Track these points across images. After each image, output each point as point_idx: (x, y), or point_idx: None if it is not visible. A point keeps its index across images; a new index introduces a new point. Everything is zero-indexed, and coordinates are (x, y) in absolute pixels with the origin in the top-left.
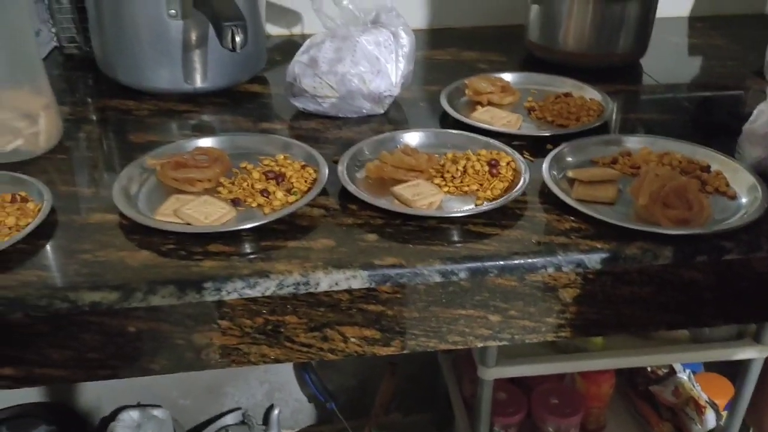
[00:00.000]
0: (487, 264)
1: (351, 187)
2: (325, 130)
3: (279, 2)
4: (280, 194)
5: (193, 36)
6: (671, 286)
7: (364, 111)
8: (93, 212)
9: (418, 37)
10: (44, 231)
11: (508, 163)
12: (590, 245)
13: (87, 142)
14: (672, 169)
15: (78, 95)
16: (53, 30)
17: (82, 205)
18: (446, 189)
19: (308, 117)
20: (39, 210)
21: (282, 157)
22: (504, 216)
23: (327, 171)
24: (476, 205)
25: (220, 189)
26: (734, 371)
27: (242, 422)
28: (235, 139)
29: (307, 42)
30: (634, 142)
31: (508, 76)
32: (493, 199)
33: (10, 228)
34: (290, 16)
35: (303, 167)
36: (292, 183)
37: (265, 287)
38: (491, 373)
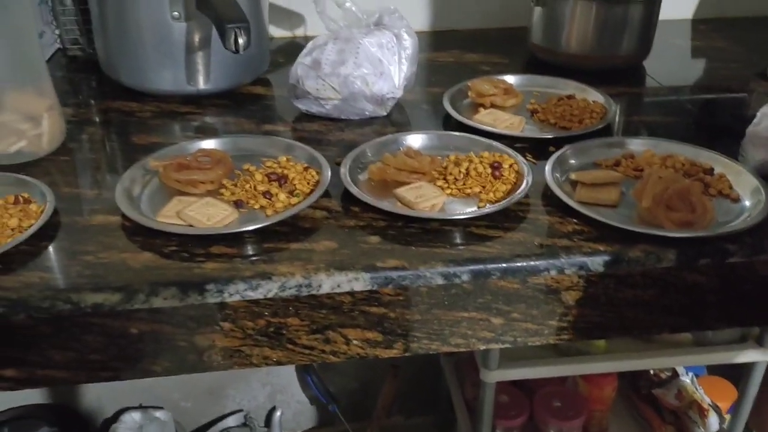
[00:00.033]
0: (490, 266)
1: (353, 189)
2: (327, 132)
3: (282, 4)
4: (282, 196)
5: (196, 38)
6: (674, 289)
7: (367, 113)
8: (96, 214)
9: (421, 39)
10: (47, 233)
11: (510, 166)
12: (593, 248)
13: (90, 144)
14: (675, 172)
15: (81, 97)
16: (57, 32)
17: (85, 207)
18: (449, 191)
19: (311, 119)
20: (42, 212)
21: (284, 159)
22: (506, 218)
23: (329, 173)
24: (479, 208)
25: (223, 191)
26: (737, 374)
27: (244, 424)
28: (237, 141)
29: (310, 44)
30: (637, 145)
31: (510, 79)
32: (496, 202)
33: (12, 229)
34: (293, 18)
35: (305, 169)
36: (294, 185)
37: (267, 289)
38: (493, 375)
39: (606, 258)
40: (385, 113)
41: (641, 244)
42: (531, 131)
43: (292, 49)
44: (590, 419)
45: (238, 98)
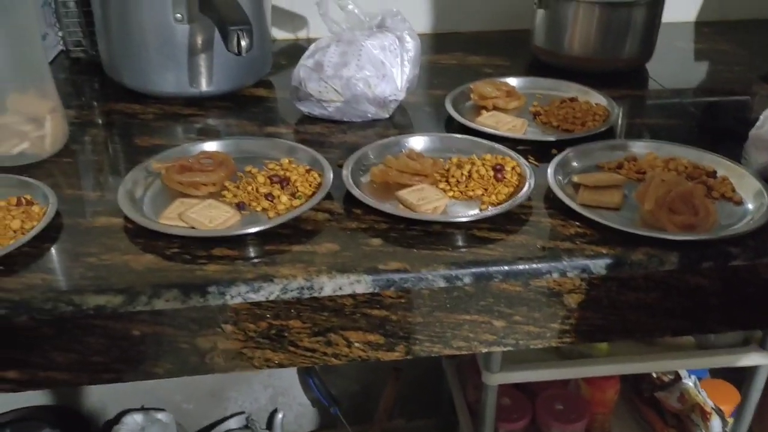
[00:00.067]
0: (492, 269)
1: (356, 192)
2: (330, 134)
3: (285, 6)
4: (284, 198)
5: (199, 40)
6: (677, 292)
7: (369, 115)
8: (98, 216)
9: (424, 42)
10: (49, 234)
11: (513, 168)
12: (595, 251)
13: (93, 146)
14: (678, 175)
15: (84, 99)
16: (60, 34)
17: (88, 209)
18: (451, 194)
19: (313, 121)
20: (44, 213)
21: (287, 161)
22: (509, 221)
23: (331, 175)
24: (481, 210)
25: (225, 193)
26: (740, 377)
27: (246, 426)
28: (240, 143)
29: (313, 46)
30: (639, 148)
31: (513, 81)
32: (498, 204)
33: (15, 231)
34: (296, 21)
35: (308, 171)
36: (296, 187)
37: (269, 291)
38: (495, 378)
39: (608, 261)
40: (387, 115)
41: (644, 247)
42: (533, 134)
43: (295, 51)
44: (592, 422)
45: (241, 100)
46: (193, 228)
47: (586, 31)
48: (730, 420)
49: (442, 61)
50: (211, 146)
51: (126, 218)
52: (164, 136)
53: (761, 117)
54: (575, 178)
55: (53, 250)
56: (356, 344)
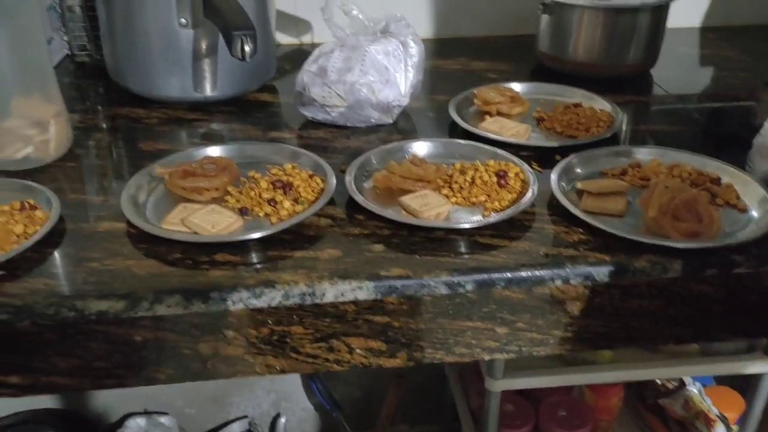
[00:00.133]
0: (495, 276)
1: (358, 198)
2: (333, 139)
3: (289, 11)
4: (287, 204)
5: (203, 45)
6: (680, 300)
7: (373, 120)
8: (101, 220)
9: (427, 47)
10: (52, 239)
11: (516, 174)
12: (599, 258)
13: (97, 150)
14: (682, 182)
15: (88, 103)
16: (65, 38)
17: (91, 213)
18: (454, 200)
19: (317, 126)
20: (47, 218)
21: (290, 166)
22: (512, 227)
23: (334, 181)
24: (484, 217)
25: (228, 198)
26: (745, 384)
27: (248, 431)
28: (243, 148)
29: (316, 51)
30: (644, 154)
31: (517, 86)
32: (501, 211)
33: (18, 236)
34: (300, 25)
35: (311, 176)
36: (299, 192)
37: (271, 297)
38: (499, 384)
39: (612, 268)
40: (391, 121)
41: (647, 255)
42: (537, 139)
43: (299, 56)
44: (596, 429)
45: (245, 105)
46: (195, 233)
47: (590, 37)
48: (735, 428)
49: (446, 66)
50: (214, 151)
51: (129, 223)
52: (168, 141)
53: (766, 124)
54: (579, 185)
55: (56, 255)
56: (358, 351)
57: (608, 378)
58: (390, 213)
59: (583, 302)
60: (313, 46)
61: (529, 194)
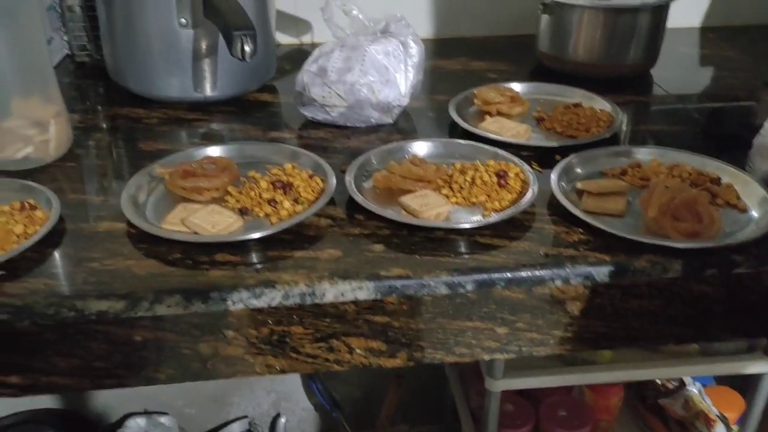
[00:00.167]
0: (495, 276)
1: (358, 198)
2: (333, 139)
3: (289, 11)
4: (287, 204)
5: (204, 45)
6: (680, 300)
7: (373, 120)
8: (101, 220)
9: (428, 47)
10: (52, 239)
11: (516, 174)
12: (599, 258)
13: (97, 150)
14: (682, 182)
15: (89, 103)
16: (65, 38)
17: (91, 213)
18: (454, 200)
19: (317, 126)
20: (47, 218)
21: (290, 166)
22: (512, 227)
23: (334, 181)
24: (484, 217)
25: (228, 198)
26: (746, 384)
27: (248, 431)
28: (243, 148)
29: (316, 51)
30: (644, 154)
31: (517, 86)
32: (501, 211)
33: (18, 236)
34: (300, 25)
35: (311, 177)
36: (299, 192)
37: (271, 297)
38: (499, 384)
39: (612, 268)
40: (391, 121)
41: (647, 255)
42: (537, 139)
43: (299, 55)
44: (596, 429)
45: (245, 105)
46: (195, 233)
47: (590, 37)
48: (735, 428)
49: (446, 66)
50: (214, 151)
51: (129, 223)
52: (168, 141)
53: (766, 124)
54: (579, 185)
55: (56, 255)
56: (358, 351)
57: (608, 378)
58: (390, 213)
59: (583, 302)
60: (313, 46)
61: (529, 194)
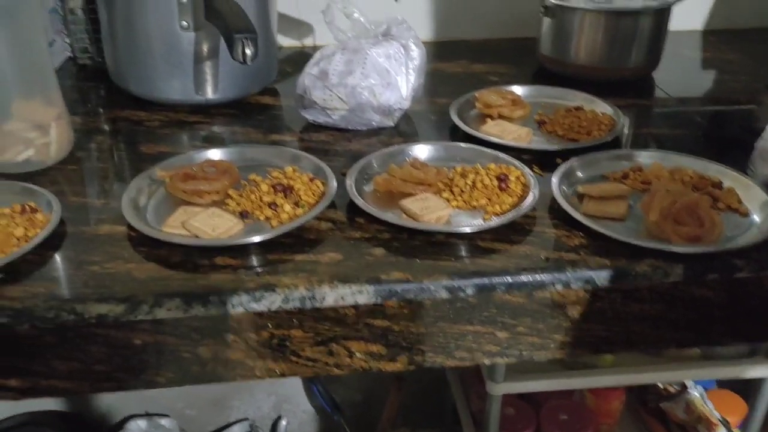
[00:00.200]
0: (495, 280)
1: (359, 201)
2: (334, 142)
3: (291, 14)
4: (287, 207)
5: (205, 48)
6: (681, 304)
7: (374, 123)
8: (102, 223)
9: (429, 49)
10: (52, 242)
11: (517, 178)
12: (600, 262)
13: (98, 153)
14: (683, 185)
15: (90, 106)
16: (67, 40)
17: (92, 216)
18: (455, 203)
19: (318, 129)
20: (48, 221)
21: (291, 169)
22: (512, 231)
23: (335, 184)
24: (484, 220)
25: (228, 201)
26: (748, 388)
27: None
28: (244, 151)
29: (317, 54)
30: (645, 157)
31: (518, 89)
32: (502, 214)
33: (18, 239)
34: (302, 28)
35: (311, 180)
36: (299, 196)
37: (271, 301)
38: (500, 388)
39: (613, 272)
40: (392, 124)
41: (648, 259)
42: (538, 143)
43: (301, 58)
44: None
45: (246, 108)
46: (196, 236)
47: (592, 40)
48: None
49: (448, 69)
50: (215, 154)
51: (129, 226)
52: (170, 144)
53: (767, 128)
54: (580, 188)
55: (56, 258)
56: (358, 354)
57: (609, 382)
58: (390, 216)
59: (583, 306)
60: (315, 48)
61: (530, 198)
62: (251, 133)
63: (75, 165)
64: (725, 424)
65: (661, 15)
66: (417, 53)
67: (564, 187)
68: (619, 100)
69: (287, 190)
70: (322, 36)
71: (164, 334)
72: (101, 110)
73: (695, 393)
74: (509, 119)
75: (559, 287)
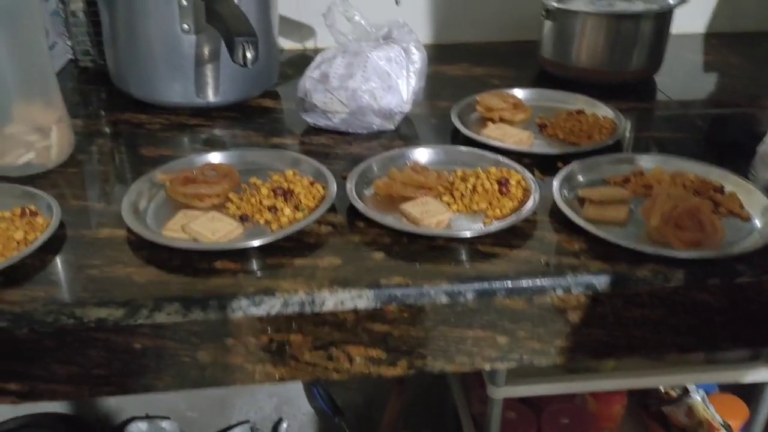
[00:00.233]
0: (495, 285)
1: (359, 205)
2: (335, 145)
3: (292, 17)
4: (287, 211)
5: (206, 51)
6: (683, 309)
7: (375, 127)
8: (102, 227)
9: (430, 52)
10: (52, 246)
11: (518, 182)
12: (600, 267)
13: (99, 156)
14: (684, 190)
15: (91, 108)
16: (69, 43)
17: (92, 220)
18: (455, 207)
19: (319, 132)
20: (48, 224)
21: (291, 172)
22: (513, 236)
23: (335, 187)
24: (485, 224)
25: (229, 205)
26: (750, 392)
27: None
28: (244, 154)
29: (318, 57)
30: (646, 161)
31: (520, 93)
32: (502, 218)
33: (18, 242)
34: (303, 31)
35: (311, 183)
36: (300, 199)
37: (270, 306)
38: (501, 392)
39: (613, 277)
40: (392, 127)
41: (649, 264)
42: (539, 146)
43: (302, 61)
44: None
45: (247, 111)
46: (195, 240)
47: (593, 43)
48: None
49: (449, 71)
50: (215, 157)
51: (129, 230)
52: (170, 147)
53: None
54: (581, 193)
55: (56, 262)
56: (358, 359)
57: (611, 386)
58: (390, 220)
59: (584, 311)
60: (316, 51)
61: (530, 202)
62: (252, 136)
63: (76, 168)
64: (727, 428)
65: (663, 18)
66: (418, 56)
67: (565, 191)
68: (620, 103)
69: (287, 194)
70: (323, 39)
71: (164, 338)
72: (102, 113)
73: (697, 397)
74: (510, 123)
75: (559, 292)
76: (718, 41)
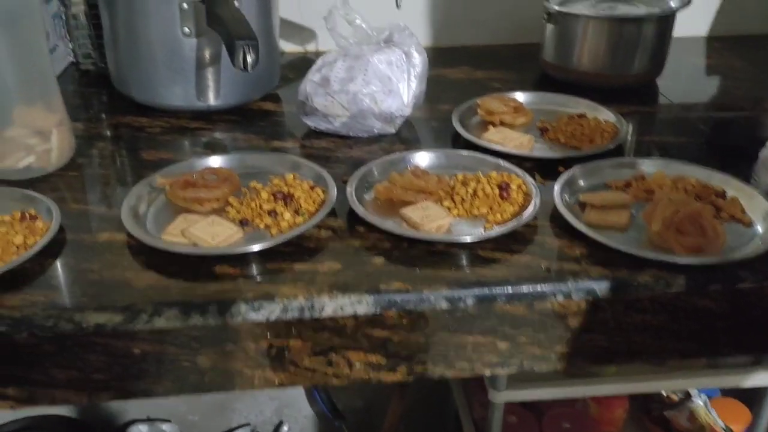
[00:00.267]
0: (495, 290)
1: (359, 209)
2: (336, 149)
3: (294, 20)
4: (287, 215)
5: (207, 54)
6: (684, 315)
7: (375, 130)
8: (102, 231)
9: (431, 56)
10: (52, 250)
11: (518, 186)
12: (601, 272)
13: (99, 160)
14: (686, 194)
15: (92, 111)
16: (70, 46)
17: (92, 224)
18: (455, 212)
19: (319, 136)
20: (47, 229)
21: (291, 176)
22: (513, 241)
23: (335, 192)
24: (485, 229)
25: (229, 209)
26: (752, 396)
27: None
28: (245, 158)
29: (319, 60)
30: (648, 166)
31: (521, 96)
32: (503, 223)
33: (17, 246)
34: (304, 34)
35: (312, 188)
36: (300, 204)
37: (270, 311)
38: (502, 396)
39: (614, 283)
40: (393, 131)
41: (651, 269)
42: (541, 150)
43: (303, 64)
44: None
45: (248, 114)
46: (195, 245)
47: (595, 46)
48: None
49: (450, 75)
50: (216, 161)
51: (129, 234)
52: (171, 150)
53: None
54: (582, 197)
55: (56, 266)
56: (357, 364)
57: (612, 390)
58: (391, 225)
59: (585, 317)
60: (317, 54)
61: (531, 207)
62: (253, 139)
63: (76, 172)
64: None
65: (665, 21)
66: (419, 60)
67: (566, 196)
68: (622, 107)
69: (287, 198)
70: (324, 42)
71: (163, 343)
72: (103, 116)
73: (699, 401)
74: (511, 126)
75: (560, 298)
76: (720, 44)
